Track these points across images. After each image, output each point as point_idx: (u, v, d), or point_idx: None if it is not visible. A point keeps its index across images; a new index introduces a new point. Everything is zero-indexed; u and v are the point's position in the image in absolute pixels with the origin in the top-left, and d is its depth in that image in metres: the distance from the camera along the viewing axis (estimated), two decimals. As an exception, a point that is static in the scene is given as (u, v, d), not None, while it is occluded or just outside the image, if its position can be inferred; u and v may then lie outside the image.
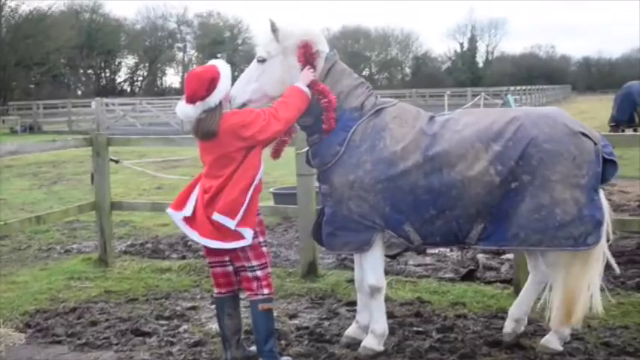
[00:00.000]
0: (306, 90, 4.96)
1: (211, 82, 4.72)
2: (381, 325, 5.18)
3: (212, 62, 4.94)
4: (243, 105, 5.04)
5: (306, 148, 5.35)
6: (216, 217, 4.71)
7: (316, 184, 5.70)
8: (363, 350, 5.15)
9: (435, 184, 4.80)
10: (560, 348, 5.10)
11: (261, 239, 4.94)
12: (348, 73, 5.18)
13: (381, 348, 5.17)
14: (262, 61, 5.10)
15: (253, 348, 5.14)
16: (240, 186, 4.73)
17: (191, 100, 4.73)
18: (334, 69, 5.10)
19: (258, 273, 4.91)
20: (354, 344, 5.33)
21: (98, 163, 8.01)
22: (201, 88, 4.70)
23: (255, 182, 4.80)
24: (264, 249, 4.98)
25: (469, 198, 4.77)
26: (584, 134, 4.77)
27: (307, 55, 5.03)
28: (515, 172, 4.72)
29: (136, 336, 5.83)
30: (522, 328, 5.42)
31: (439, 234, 4.94)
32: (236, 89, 5.05)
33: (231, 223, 4.69)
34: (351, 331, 5.48)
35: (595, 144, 4.77)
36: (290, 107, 4.87)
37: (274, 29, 5.05)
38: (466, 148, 4.79)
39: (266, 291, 4.93)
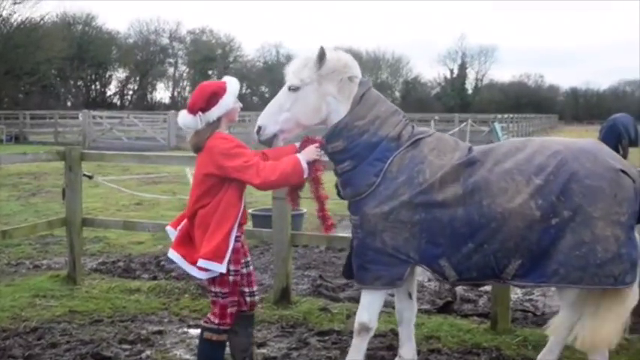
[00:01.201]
0: (304, 164, 4.71)
1: (212, 96, 4.69)
2: None
3: (224, 78, 4.92)
4: (274, 136, 4.84)
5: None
6: (202, 263, 4.62)
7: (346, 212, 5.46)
8: None
9: (474, 216, 4.62)
10: None
11: (231, 267, 4.74)
12: (382, 100, 4.98)
13: None
14: (295, 89, 4.86)
15: None
16: (224, 230, 4.65)
17: (190, 110, 4.72)
18: (368, 95, 4.89)
19: (217, 300, 4.80)
20: None
21: (70, 178, 7.79)
22: (201, 99, 4.68)
23: (237, 222, 4.72)
24: (232, 278, 4.77)
25: (508, 231, 4.60)
26: (623, 171, 4.69)
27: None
28: (556, 207, 4.56)
29: (96, 360, 5.61)
30: None
31: (476, 269, 4.74)
32: (265, 119, 4.85)
33: (220, 267, 4.62)
34: None
35: (634, 181, 4.69)
36: (277, 172, 4.62)
37: (322, 57, 4.81)
38: (506, 180, 4.64)
39: (217, 320, 4.80)
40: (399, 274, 4.74)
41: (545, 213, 4.57)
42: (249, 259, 5.03)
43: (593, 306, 4.73)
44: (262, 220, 10.03)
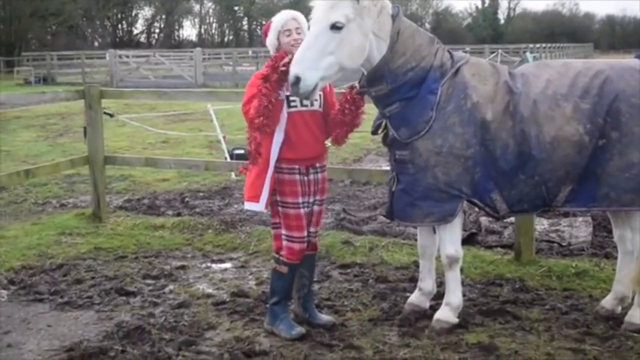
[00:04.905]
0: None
1: (265, 35, 4.75)
2: (457, 297, 4.91)
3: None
4: (315, 86, 4.34)
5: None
6: (245, 205, 4.82)
7: (385, 150, 5.26)
8: (438, 323, 4.87)
9: (523, 147, 4.53)
10: None
11: (278, 198, 4.72)
12: (417, 30, 4.69)
13: (456, 320, 4.89)
14: (340, 27, 4.35)
15: (324, 317, 5.05)
16: (257, 169, 4.67)
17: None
18: (403, 27, 4.57)
19: (272, 231, 4.93)
20: (418, 312, 5.10)
21: (91, 116, 7.75)
22: (264, 35, 4.83)
23: (273, 161, 4.63)
24: (280, 209, 4.73)
25: (558, 160, 4.52)
26: None
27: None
28: (603, 129, 4.48)
29: (120, 295, 5.67)
30: (620, 309, 5.02)
31: (527, 200, 4.68)
32: (304, 67, 4.27)
33: (257, 207, 4.70)
34: (414, 298, 5.20)
35: None
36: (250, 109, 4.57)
37: None
38: (552, 107, 4.53)
39: (276, 250, 4.90)
40: (451, 209, 4.65)
41: (593, 136, 4.48)
42: (318, 198, 4.84)
43: None
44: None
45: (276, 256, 4.86)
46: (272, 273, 4.97)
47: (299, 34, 4.61)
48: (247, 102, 4.60)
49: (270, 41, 4.69)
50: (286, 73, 4.38)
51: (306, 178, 4.73)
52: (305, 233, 4.76)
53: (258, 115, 4.43)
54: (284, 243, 4.77)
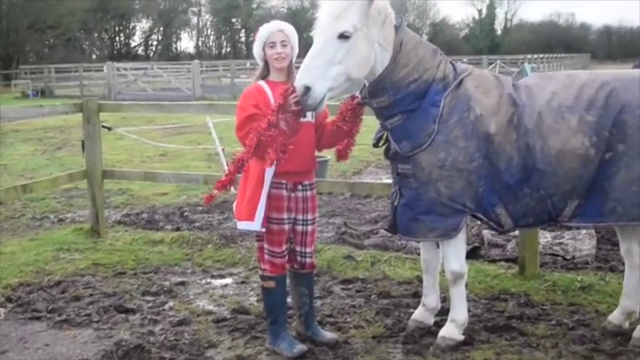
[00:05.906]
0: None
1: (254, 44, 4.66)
2: (462, 313, 4.81)
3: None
4: (323, 98, 4.21)
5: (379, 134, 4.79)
6: (239, 225, 4.62)
7: (386, 162, 5.17)
8: (443, 341, 4.76)
9: (528, 160, 4.45)
10: None
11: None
12: (420, 41, 4.60)
13: (462, 337, 4.79)
14: (347, 37, 4.23)
15: (327, 334, 4.93)
16: (252, 183, 4.51)
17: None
18: (407, 39, 4.48)
19: (255, 244, 4.83)
20: (422, 328, 5.00)
21: (89, 129, 7.67)
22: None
23: (268, 176, 4.48)
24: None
25: (564, 174, 4.43)
26: None
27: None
28: (609, 141, 4.40)
29: (119, 313, 5.57)
30: (627, 324, 4.94)
31: (532, 215, 4.60)
32: (313, 77, 4.16)
33: (255, 226, 4.51)
34: (418, 314, 5.10)
35: None
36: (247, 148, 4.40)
37: None
38: (557, 120, 4.45)
39: (260, 265, 4.79)
40: (455, 224, 4.58)
41: (600, 149, 4.40)
42: (309, 217, 4.72)
43: None
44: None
45: (261, 272, 4.77)
46: (262, 292, 4.89)
47: (284, 46, 4.50)
48: (241, 126, 4.45)
49: (256, 51, 4.60)
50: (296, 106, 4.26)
51: (293, 194, 4.63)
52: (284, 248, 4.68)
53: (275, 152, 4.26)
54: (266, 257, 4.69)
